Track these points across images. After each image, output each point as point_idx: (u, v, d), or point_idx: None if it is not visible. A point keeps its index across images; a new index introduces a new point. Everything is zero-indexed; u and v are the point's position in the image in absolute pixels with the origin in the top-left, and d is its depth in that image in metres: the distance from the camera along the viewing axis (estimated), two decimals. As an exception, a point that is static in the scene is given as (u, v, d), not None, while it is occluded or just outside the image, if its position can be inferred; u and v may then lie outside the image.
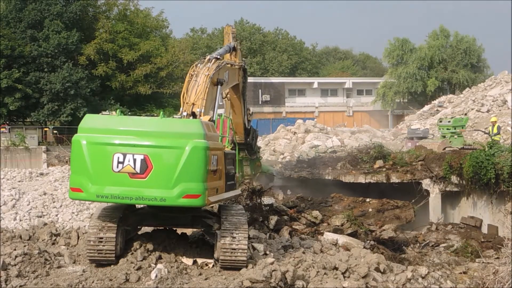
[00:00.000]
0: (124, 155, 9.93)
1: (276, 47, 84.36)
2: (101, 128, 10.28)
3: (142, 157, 9.92)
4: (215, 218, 11.56)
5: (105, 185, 10.00)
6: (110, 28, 52.85)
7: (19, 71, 48.43)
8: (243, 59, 19.17)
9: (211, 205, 11.93)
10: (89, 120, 10.52)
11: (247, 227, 11.22)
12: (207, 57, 13.54)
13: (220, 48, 16.98)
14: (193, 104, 12.16)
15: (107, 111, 11.10)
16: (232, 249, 10.77)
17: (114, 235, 10.82)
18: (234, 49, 18.24)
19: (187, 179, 9.93)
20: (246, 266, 10.94)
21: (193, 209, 11.50)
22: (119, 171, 9.93)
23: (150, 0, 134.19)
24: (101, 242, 10.80)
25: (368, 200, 21.23)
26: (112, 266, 10.81)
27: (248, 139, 19.83)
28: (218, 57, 13.83)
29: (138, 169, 9.91)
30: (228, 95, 18.35)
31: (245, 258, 10.86)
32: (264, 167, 23.09)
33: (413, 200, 22.27)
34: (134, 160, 9.92)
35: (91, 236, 10.86)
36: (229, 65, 14.88)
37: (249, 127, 19.88)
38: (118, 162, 9.93)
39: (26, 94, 48.61)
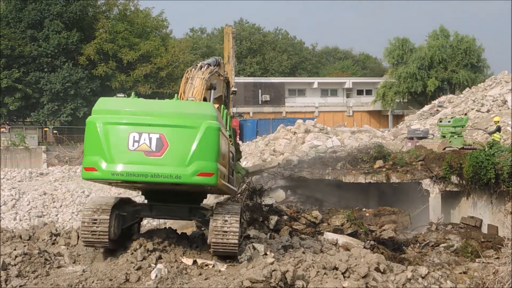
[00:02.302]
0: (140, 134, 10.20)
1: (276, 47, 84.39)
2: (116, 109, 10.51)
3: (158, 136, 10.20)
4: (211, 210, 11.75)
5: (120, 163, 10.20)
6: (110, 28, 52.93)
7: (19, 71, 48.50)
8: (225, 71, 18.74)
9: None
10: (103, 103, 10.72)
11: (240, 213, 11.39)
12: (199, 64, 13.68)
13: (210, 58, 16.95)
14: None
15: (121, 93, 11.27)
16: (224, 231, 10.94)
17: (107, 217, 10.96)
18: (217, 64, 18.21)
19: (201, 157, 10.21)
20: (238, 254, 11.19)
21: (195, 198, 11.80)
22: (134, 150, 10.17)
23: (150, 0, 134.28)
24: (95, 223, 10.95)
25: (364, 209, 21.40)
26: (112, 266, 10.82)
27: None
28: (210, 64, 13.95)
29: (154, 147, 10.17)
30: None
31: (236, 241, 11.00)
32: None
33: (409, 208, 22.27)
34: (150, 139, 10.19)
35: (85, 218, 11.03)
36: (217, 74, 15.02)
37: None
38: (134, 141, 10.19)
39: (26, 94, 48.70)
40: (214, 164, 10.27)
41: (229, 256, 11.37)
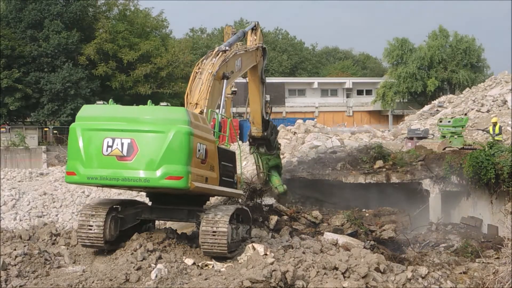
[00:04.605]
0: (113, 140, 10.58)
1: (276, 47, 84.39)
2: (95, 116, 10.97)
3: (129, 141, 10.56)
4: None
5: (95, 168, 10.64)
6: (110, 28, 52.88)
7: (19, 71, 48.48)
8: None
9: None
10: (85, 110, 11.23)
11: (230, 215, 11.46)
12: (215, 49, 13.61)
13: (232, 36, 15.76)
14: (196, 104, 12.35)
15: (101, 101, 11.66)
16: (213, 232, 11.10)
17: (102, 223, 11.29)
18: (255, 28, 17.12)
19: (170, 161, 10.47)
20: (229, 253, 11.34)
21: (196, 201, 11.91)
22: (108, 155, 10.59)
23: (150, 0, 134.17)
24: (90, 229, 11.31)
25: (364, 209, 21.40)
26: (112, 266, 10.82)
27: (266, 133, 18.59)
28: (227, 48, 13.81)
29: (125, 152, 10.54)
30: (247, 78, 17.86)
31: (225, 241, 11.12)
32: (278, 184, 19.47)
33: (409, 208, 22.25)
34: (122, 144, 10.56)
35: (81, 222, 11.44)
36: (240, 52, 14.75)
37: (267, 118, 18.74)
38: (108, 146, 10.59)
39: (26, 94, 48.66)
40: (184, 167, 10.46)
41: (224, 257, 11.40)
